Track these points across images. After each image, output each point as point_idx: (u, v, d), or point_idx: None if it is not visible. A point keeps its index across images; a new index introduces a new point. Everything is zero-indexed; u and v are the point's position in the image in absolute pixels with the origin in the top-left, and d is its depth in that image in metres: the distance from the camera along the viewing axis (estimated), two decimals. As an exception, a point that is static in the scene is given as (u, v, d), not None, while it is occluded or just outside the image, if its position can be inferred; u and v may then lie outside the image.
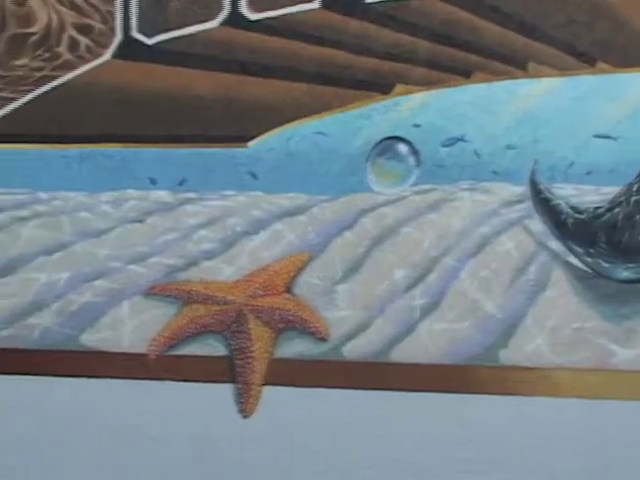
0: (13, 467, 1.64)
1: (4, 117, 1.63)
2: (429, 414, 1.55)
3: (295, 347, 1.57)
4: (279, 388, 1.56)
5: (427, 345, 1.55)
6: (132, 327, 1.61)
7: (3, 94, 1.62)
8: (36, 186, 1.64)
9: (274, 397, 1.56)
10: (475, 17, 1.52)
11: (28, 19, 1.61)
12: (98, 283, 1.62)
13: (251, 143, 1.58)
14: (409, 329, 1.55)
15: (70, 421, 1.63)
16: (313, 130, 1.56)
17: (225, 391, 1.57)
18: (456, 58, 1.54)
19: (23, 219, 1.65)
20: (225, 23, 1.58)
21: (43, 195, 1.64)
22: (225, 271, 1.59)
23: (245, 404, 1.57)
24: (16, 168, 1.64)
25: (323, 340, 1.56)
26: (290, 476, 1.58)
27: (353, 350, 1.56)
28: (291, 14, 1.57)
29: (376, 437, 1.56)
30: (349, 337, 1.56)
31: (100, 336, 1.62)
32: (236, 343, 1.56)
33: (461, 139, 1.54)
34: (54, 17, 1.61)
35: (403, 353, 1.55)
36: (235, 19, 1.58)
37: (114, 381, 1.60)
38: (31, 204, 1.64)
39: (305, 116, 1.56)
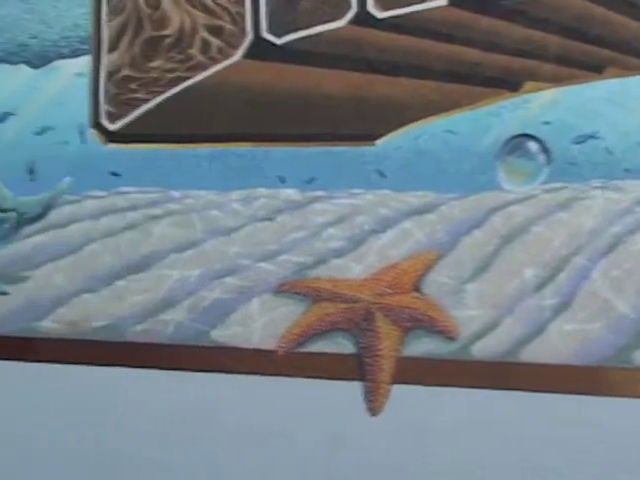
0: (149, 460, 1.69)
1: (138, 118, 1.67)
2: (558, 415, 1.53)
3: (424, 346, 1.56)
4: (407, 387, 1.56)
5: (557, 346, 1.52)
6: (262, 324, 1.63)
7: (138, 95, 1.66)
8: (168, 185, 1.67)
9: (402, 396, 1.56)
10: (609, 11, 1.49)
11: (162, 22, 1.65)
12: (228, 280, 1.65)
13: (379, 141, 1.58)
14: (539, 329, 1.53)
15: (201, 416, 1.67)
16: (442, 128, 1.55)
17: (354, 389, 1.58)
18: (588, 53, 1.51)
19: (156, 217, 1.68)
20: (353, 22, 1.59)
21: (175, 194, 1.67)
22: (353, 269, 1.59)
23: (373, 402, 1.57)
24: (149, 167, 1.67)
25: (452, 339, 1.55)
26: (418, 475, 1.58)
27: (482, 349, 1.55)
28: (419, 12, 1.56)
29: (504, 437, 1.55)
30: (478, 336, 1.55)
31: (230, 332, 1.64)
32: (364, 341, 1.57)
33: (593, 136, 1.51)
34: (186, 19, 1.64)
35: (533, 353, 1.53)
36: (363, 18, 1.58)
37: (244, 377, 1.63)
38: (163, 202, 1.68)
39: (434, 114, 1.56)
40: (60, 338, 1.72)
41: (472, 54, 1.54)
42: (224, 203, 1.65)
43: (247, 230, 1.64)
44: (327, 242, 1.61)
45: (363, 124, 1.58)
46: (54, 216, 1.72)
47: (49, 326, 1.72)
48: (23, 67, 1.72)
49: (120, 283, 1.69)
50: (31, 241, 1.74)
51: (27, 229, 1.73)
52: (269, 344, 1.62)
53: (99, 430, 1.71)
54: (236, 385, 1.63)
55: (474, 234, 1.56)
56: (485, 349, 1.55)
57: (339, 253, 1.60)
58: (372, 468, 1.60)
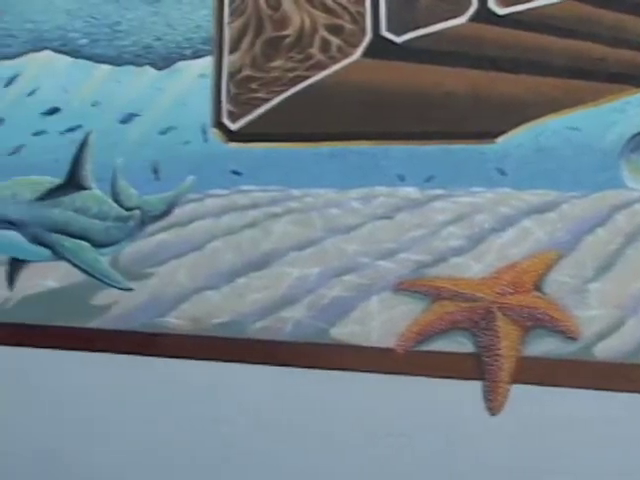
0: (266, 456, 1.71)
1: (259, 117, 1.69)
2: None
3: (545, 345, 1.54)
4: (528, 386, 1.54)
5: (683, 347, 1.49)
6: (381, 322, 1.63)
7: (259, 95, 1.68)
8: (288, 183, 1.69)
9: (522, 395, 1.54)
10: None
11: (282, 22, 1.66)
12: (347, 278, 1.65)
13: (500, 139, 1.57)
14: (664, 330, 1.50)
15: (319, 413, 1.68)
16: (564, 125, 1.53)
17: (473, 388, 1.57)
18: None
19: (276, 215, 1.70)
20: (473, 19, 1.58)
21: (295, 192, 1.68)
22: (473, 268, 1.58)
23: (493, 402, 1.56)
24: (270, 166, 1.69)
25: (574, 339, 1.53)
26: (536, 475, 1.56)
27: (604, 350, 1.52)
28: (540, 7, 1.54)
29: (624, 439, 1.52)
30: (600, 337, 1.52)
31: (349, 330, 1.65)
32: (484, 340, 1.55)
33: None
34: (306, 19, 1.65)
35: (658, 355, 1.50)
36: (483, 14, 1.57)
37: (363, 375, 1.63)
38: (284, 201, 1.69)
39: (556, 111, 1.53)
40: (182, 334, 1.75)
41: (596, 49, 1.51)
42: (343, 201, 1.66)
43: (366, 228, 1.65)
44: (446, 240, 1.60)
45: (483, 122, 1.57)
46: (177, 214, 1.76)
47: (172, 322, 1.76)
48: (148, 69, 1.76)
49: (241, 280, 1.72)
50: (155, 239, 1.78)
51: (151, 227, 1.77)
52: (388, 342, 1.62)
53: (219, 425, 1.73)
54: (355, 383, 1.64)
55: (597, 233, 1.53)
56: (608, 350, 1.52)
57: (458, 252, 1.60)
58: (490, 468, 1.59)
